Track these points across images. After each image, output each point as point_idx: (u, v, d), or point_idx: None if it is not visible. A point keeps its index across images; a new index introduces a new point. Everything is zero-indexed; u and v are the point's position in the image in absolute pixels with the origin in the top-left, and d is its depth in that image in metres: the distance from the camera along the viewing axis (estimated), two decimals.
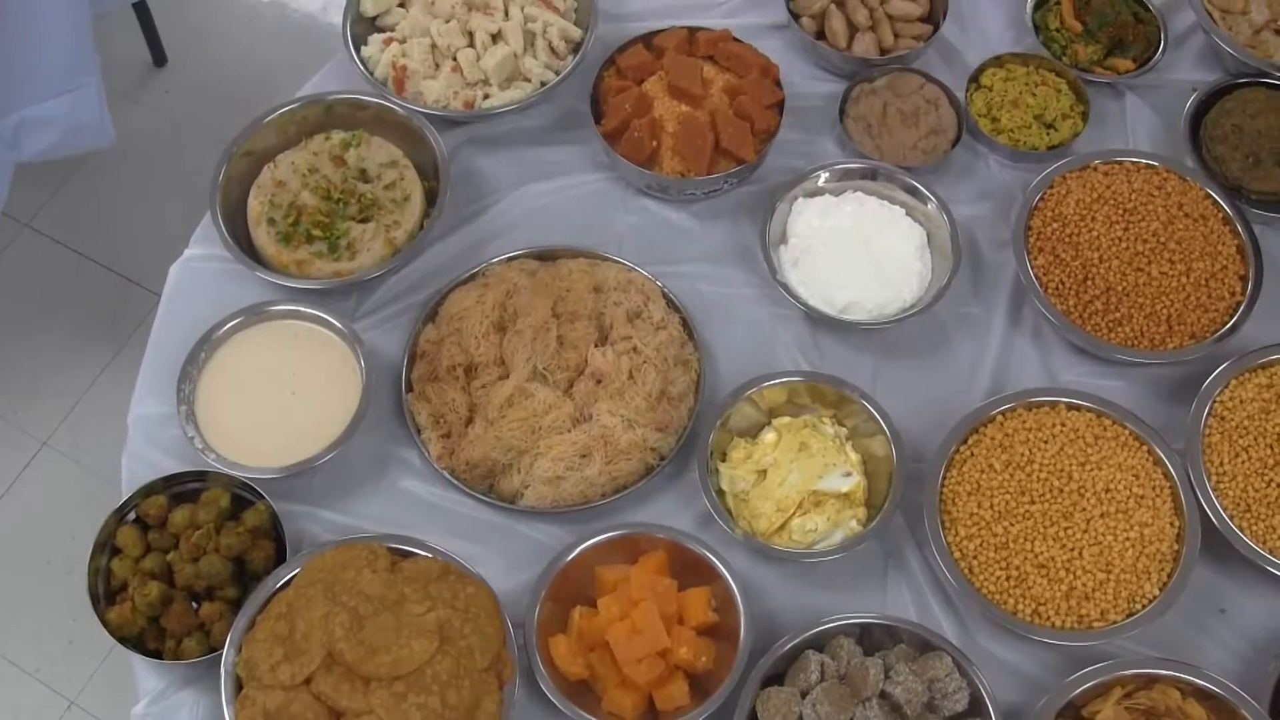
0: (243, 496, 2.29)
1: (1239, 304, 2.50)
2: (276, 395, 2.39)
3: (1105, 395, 2.43)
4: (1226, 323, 2.48)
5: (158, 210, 4.03)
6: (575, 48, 2.75)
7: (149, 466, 2.36)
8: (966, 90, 2.76)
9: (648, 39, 2.71)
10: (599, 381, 2.37)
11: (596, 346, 2.40)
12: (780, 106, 2.64)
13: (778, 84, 2.66)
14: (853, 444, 2.36)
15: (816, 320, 2.50)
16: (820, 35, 2.80)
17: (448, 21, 2.72)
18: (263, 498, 2.26)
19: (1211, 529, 2.29)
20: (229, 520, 2.26)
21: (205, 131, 2.62)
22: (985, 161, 2.73)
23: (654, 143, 2.57)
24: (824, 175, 2.60)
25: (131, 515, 2.29)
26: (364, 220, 2.53)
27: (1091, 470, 2.30)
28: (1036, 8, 2.87)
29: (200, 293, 2.54)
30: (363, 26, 2.79)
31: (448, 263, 2.57)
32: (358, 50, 2.74)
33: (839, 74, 2.80)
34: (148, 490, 2.29)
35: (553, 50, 2.73)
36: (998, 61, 2.79)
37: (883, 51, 2.78)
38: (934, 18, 2.84)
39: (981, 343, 2.54)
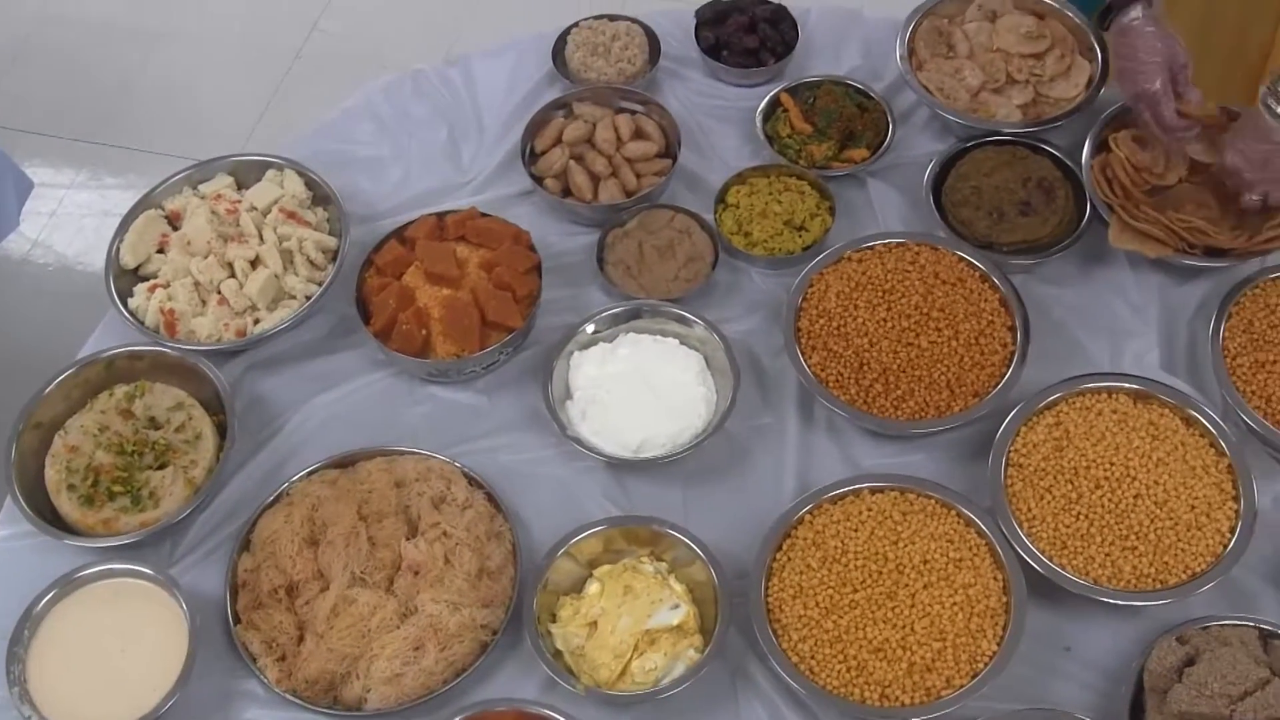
0: None
1: (1012, 354, 2.58)
2: (106, 656, 2.38)
3: (910, 471, 2.50)
4: (1005, 374, 2.56)
5: None
6: (333, 256, 2.80)
7: None
8: (715, 212, 2.84)
9: (400, 233, 2.77)
10: (417, 573, 2.39)
11: (408, 539, 2.42)
12: (538, 269, 2.70)
13: (531, 248, 2.73)
14: (675, 576, 2.40)
15: (617, 465, 2.55)
16: (566, 192, 2.88)
17: (206, 257, 2.77)
18: None
19: (1035, 574, 2.35)
20: None
21: (7, 409, 2.65)
22: (747, 276, 2.81)
23: (423, 331, 2.62)
24: (592, 325, 2.66)
25: None
26: (161, 466, 2.55)
27: (905, 546, 2.35)
28: (766, 120, 2.97)
29: (17, 572, 2.52)
30: (126, 279, 2.82)
31: (252, 489, 2.59)
32: (124, 303, 2.77)
33: (592, 224, 2.87)
34: None
35: (312, 263, 2.78)
36: (739, 178, 2.87)
37: (628, 194, 2.85)
38: (671, 151, 2.92)
39: (780, 449, 2.59)
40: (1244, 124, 2.65)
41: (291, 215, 2.82)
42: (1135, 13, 2.71)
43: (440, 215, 2.78)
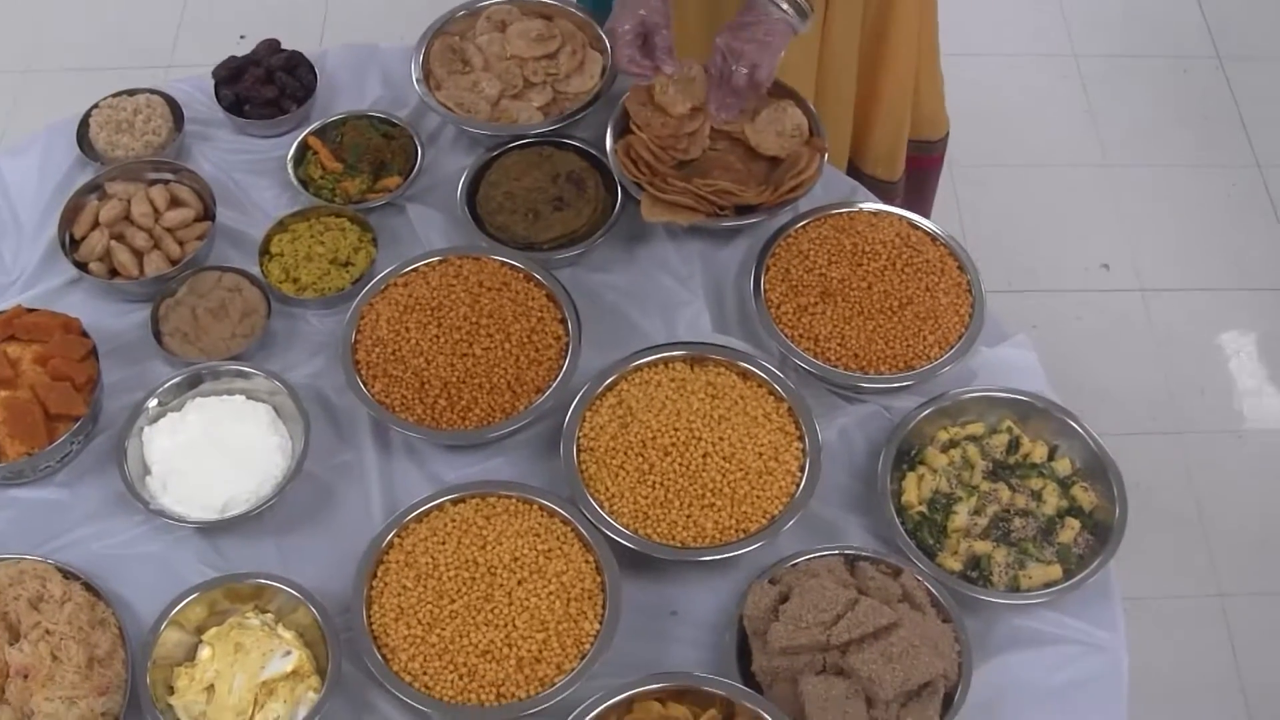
0: None
1: (568, 344, 2.69)
2: None
3: (494, 476, 2.60)
4: (562, 365, 2.66)
5: None
6: None
7: None
8: (260, 264, 2.88)
9: None
10: (27, 676, 2.37)
11: (11, 645, 2.42)
12: (94, 353, 2.71)
13: (84, 334, 2.72)
14: (283, 624, 2.44)
15: (207, 529, 2.57)
16: (113, 273, 2.88)
17: None
18: None
19: (626, 550, 2.46)
20: None
21: None
22: (304, 320, 2.85)
23: None
24: (155, 399, 2.67)
25: None
26: None
27: (493, 549, 2.43)
28: (297, 165, 3.02)
29: None
30: None
31: None
32: None
33: (143, 299, 2.87)
34: None
35: None
36: (281, 226, 2.92)
37: (174, 262, 2.87)
38: (210, 213, 2.95)
39: (363, 482, 2.65)
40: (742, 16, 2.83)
41: None
42: None
43: None
